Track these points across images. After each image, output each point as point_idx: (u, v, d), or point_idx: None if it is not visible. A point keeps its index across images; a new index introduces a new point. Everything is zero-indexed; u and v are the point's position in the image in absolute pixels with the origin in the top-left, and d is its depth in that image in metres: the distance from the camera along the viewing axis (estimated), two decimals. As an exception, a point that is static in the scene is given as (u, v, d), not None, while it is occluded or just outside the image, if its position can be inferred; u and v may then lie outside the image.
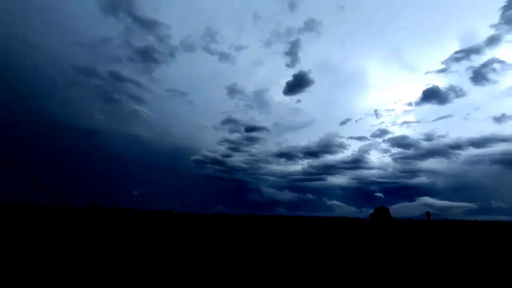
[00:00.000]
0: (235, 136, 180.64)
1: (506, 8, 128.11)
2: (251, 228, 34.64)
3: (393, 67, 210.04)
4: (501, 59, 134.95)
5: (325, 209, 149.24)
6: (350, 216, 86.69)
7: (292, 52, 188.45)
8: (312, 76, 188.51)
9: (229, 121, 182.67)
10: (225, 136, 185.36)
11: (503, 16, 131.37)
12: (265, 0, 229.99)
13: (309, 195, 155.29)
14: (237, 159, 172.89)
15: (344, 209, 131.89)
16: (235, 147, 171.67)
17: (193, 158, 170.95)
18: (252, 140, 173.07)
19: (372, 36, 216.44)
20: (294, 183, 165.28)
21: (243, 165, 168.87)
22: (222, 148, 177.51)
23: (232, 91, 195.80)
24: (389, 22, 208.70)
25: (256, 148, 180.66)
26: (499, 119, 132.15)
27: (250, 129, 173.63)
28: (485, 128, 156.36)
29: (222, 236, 23.68)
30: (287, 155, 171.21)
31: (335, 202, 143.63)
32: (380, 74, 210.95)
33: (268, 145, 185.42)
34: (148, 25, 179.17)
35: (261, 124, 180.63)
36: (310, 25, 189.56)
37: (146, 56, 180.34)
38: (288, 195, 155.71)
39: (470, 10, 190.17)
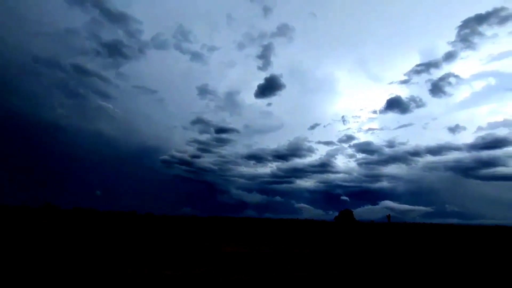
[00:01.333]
0: (204, 137, 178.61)
1: (461, 27, 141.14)
2: (220, 229, 34.47)
3: (360, 76, 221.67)
4: (456, 73, 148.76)
5: (293, 212, 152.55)
6: (316, 219, 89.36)
7: (265, 56, 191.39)
8: (283, 80, 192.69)
9: (199, 121, 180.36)
10: (195, 137, 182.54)
11: (458, 35, 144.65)
12: (239, 2, 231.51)
13: (278, 198, 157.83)
14: (206, 160, 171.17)
15: (311, 212, 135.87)
16: (204, 148, 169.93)
17: (161, 158, 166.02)
18: (222, 142, 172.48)
19: (342, 45, 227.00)
20: (263, 185, 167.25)
21: (212, 166, 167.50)
22: (191, 149, 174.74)
23: (203, 91, 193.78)
24: (358, 33, 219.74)
25: (225, 150, 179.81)
26: (453, 129, 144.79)
27: (220, 130, 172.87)
28: (440, 137, 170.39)
29: (193, 237, 23.33)
30: (257, 158, 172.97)
31: (302, 204, 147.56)
32: (348, 82, 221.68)
33: (238, 147, 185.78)
34: (118, 18, 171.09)
35: (231, 125, 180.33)
36: (283, 30, 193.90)
37: (114, 51, 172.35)
38: (256, 197, 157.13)
39: (431, 27, 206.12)
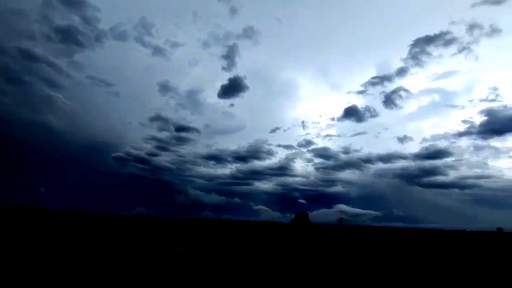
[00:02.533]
0: (163, 135, 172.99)
1: (412, 46, 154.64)
2: (174, 230, 33.64)
3: (321, 83, 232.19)
4: (406, 88, 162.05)
5: (251, 214, 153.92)
6: (273, 221, 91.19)
7: (229, 56, 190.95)
8: (247, 82, 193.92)
9: (158, 118, 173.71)
10: (153, 134, 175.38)
11: (410, 52, 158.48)
12: (206, 1, 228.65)
13: (236, 199, 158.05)
14: (164, 158, 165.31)
15: (269, 214, 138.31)
16: (162, 146, 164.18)
17: (113, 154, 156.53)
18: (181, 140, 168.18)
19: (305, 53, 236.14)
20: (221, 186, 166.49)
21: (170, 165, 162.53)
22: (149, 146, 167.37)
23: (164, 88, 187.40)
24: (321, 43, 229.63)
25: (185, 149, 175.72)
26: (402, 139, 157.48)
27: (180, 128, 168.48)
28: (390, 146, 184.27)
29: (147, 238, 22.45)
30: (216, 158, 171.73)
31: (261, 206, 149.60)
32: (310, 89, 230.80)
33: (198, 146, 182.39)
34: (73, 3, 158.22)
35: (192, 124, 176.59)
36: (249, 33, 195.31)
37: (68, 37, 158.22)
38: (215, 198, 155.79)
39: (387, 43, 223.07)
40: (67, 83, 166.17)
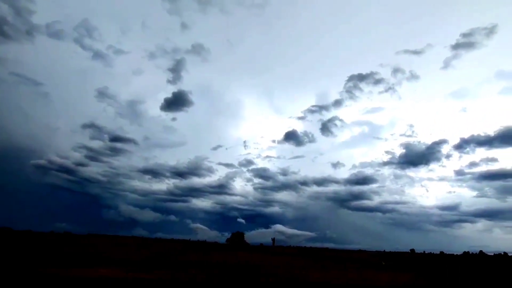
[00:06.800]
0: (96, 144, 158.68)
1: (348, 80, 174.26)
2: (98, 250, 32.20)
3: (264, 106, 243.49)
4: (341, 118, 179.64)
5: (188, 232, 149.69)
6: (209, 240, 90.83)
7: (176, 70, 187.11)
8: (192, 97, 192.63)
9: (91, 126, 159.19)
10: (83, 142, 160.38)
11: (345, 86, 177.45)
12: (157, 12, 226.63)
13: (172, 217, 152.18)
14: (94, 169, 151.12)
15: (206, 233, 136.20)
16: (93, 156, 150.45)
17: (33, 162, 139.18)
18: (115, 151, 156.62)
19: (252, 75, 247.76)
20: (157, 202, 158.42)
21: (100, 178, 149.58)
22: (77, 155, 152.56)
23: (102, 94, 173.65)
24: (267, 67, 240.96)
25: (119, 161, 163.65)
26: (335, 165, 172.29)
27: (115, 139, 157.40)
28: (324, 170, 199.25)
29: (54, 258, 21.52)
30: (153, 172, 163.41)
31: (198, 225, 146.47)
32: (253, 110, 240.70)
33: (134, 159, 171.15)
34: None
35: (129, 135, 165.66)
36: (198, 50, 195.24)
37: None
38: (149, 215, 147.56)
39: (327, 76, 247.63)
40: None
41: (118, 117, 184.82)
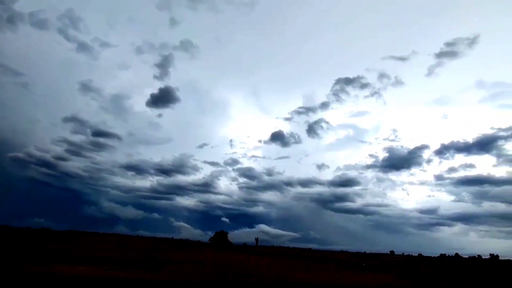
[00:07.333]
0: (77, 138, 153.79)
1: (335, 84, 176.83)
2: (77, 247, 31.38)
3: (251, 106, 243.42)
4: (327, 120, 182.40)
5: (171, 230, 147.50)
6: (192, 239, 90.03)
7: (163, 66, 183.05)
8: (179, 94, 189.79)
9: (73, 119, 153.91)
10: (65, 136, 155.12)
11: (332, 89, 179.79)
12: (146, 7, 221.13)
13: (155, 214, 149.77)
14: (75, 164, 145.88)
15: (190, 231, 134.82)
16: (75, 150, 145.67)
17: (10, 154, 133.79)
18: (98, 146, 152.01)
19: (240, 74, 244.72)
20: (139, 199, 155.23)
21: (81, 173, 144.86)
22: (58, 149, 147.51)
23: (86, 87, 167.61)
24: (256, 67, 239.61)
25: (101, 156, 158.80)
26: (320, 166, 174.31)
27: (98, 133, 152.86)
28: (309, 172, 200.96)
29: (29, 255, 20.82)
30: (137, 169, 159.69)
31: (182, 223, 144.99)
32: (241, 109, 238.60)
33: (118, 155, 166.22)
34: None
35: (113, 130, 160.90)
36: (186, 46, 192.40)
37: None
38: (131, 212, 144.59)
39: (315, 78, 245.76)
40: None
41: (101, 112, 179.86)
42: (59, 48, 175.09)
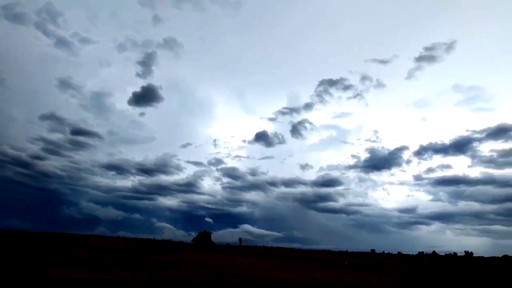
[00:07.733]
0: (55, 137, 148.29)
1: (318, 85, 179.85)
2: (54, 249, 30.27)
3: (236, 106, 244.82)
4: (310, 121, 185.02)
5: (153, 231, 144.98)
6: (175, 240, 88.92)
7: (146, 64, 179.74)
8: (162, 92, 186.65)
9: (50, 117, 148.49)
10: (42, 134, 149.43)
11: (315, 90, 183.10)
12: (128, 3, 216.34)
13: (137, 215, 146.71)
14: (53, 163, 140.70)
15: (173, 232, 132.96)
16: (52, 149, 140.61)
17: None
18: (77, 145, 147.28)
19: (225, 74, 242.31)
20: (120, 200, 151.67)
21: (59, 172, 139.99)
22: (34, 148, 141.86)
23: (65, 84, 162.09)
24: (240, 67, 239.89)
25: (80, 155, 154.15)
26: (303, 167, 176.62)
27: (77, 132, 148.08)
28: (293, 172, 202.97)
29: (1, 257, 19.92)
30: (118, 169, 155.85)
31: (164, 224, 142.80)
32: (225, 109, 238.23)
33: (98, 154, 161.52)
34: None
35: (93, 129, 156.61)
36: (171, 44, 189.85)
37: None
38: (112, 213, 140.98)
39: (299, 79, 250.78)
40: None
41: (81, 109, 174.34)
42: (37, 43, 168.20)
